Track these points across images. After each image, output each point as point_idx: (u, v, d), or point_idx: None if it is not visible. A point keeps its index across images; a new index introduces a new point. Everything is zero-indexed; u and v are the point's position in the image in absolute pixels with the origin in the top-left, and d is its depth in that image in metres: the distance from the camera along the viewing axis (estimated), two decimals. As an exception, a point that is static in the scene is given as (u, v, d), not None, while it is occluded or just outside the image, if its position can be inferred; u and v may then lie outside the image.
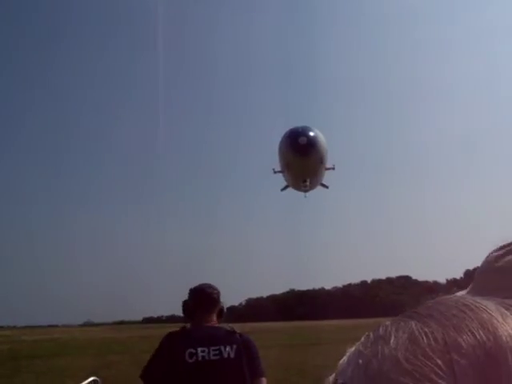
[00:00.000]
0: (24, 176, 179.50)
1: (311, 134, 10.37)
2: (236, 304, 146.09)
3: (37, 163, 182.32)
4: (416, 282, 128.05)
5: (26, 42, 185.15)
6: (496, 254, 0.52)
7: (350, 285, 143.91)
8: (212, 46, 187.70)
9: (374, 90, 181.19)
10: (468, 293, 0.50)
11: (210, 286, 3.27)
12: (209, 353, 2.97)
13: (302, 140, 10.11)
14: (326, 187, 14.33)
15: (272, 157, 12.05)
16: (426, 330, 0.39)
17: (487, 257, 0.52)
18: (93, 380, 7.25)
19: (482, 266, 0.52)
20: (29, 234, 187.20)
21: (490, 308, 0.40)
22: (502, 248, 0.52)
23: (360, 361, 0.40)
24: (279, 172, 12.57)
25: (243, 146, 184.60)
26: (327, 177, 13.22)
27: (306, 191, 13.33)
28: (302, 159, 10.48)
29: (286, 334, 38.98)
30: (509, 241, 0.52)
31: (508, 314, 0.40)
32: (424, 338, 0.38)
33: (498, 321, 0.39)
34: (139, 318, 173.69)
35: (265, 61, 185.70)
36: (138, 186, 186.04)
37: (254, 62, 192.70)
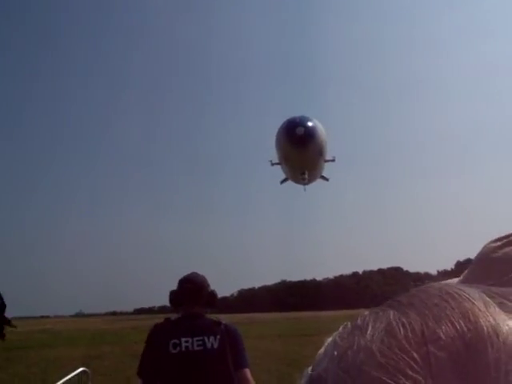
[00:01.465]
0: (19, 168, 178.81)
1: (309, 124, 9.86)
2: (228, 295, 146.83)
3: (32, 156, 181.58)
4: (407, 273, 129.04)
5: (23, 41, 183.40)
6: (493, 245, 0.51)
7: (341, 276, 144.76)
8: (209, 38, 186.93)
9: (374, 81, 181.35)
10: (460, 281, 0.49)
11: (195, 276, 3.26)
12: (192, 343, 2.98)
13: (300, 130, 9.61)
14: (327, 180, 13.91)
15: (270, 148, 11.56)
16: (404, 320, 0.37)
17: (484, 247, 0.51)
18: (82, 371, 7.25)
19: (478, 255, 0.51)
20: (20, 225, 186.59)
21: (473, 296, 0.39)
22: (499, 240, 0.51)
23: (335, 352, 0.38)
24: (277, 164, 12.07)
25: (240, 137, 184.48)
26: (326, 169, 12.86)
27: (305, 184, 12.87)
28: (299, 151, 9.98)
29: (278, 324, 39.18)
30: (506, 233, 0.52)
31: (491, 302, 0.39)
32: (401, 329, 0.37)
33: (480, 310, 0.37)
34: (131, 308, 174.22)
35: (264, 52, 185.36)
36: (131, 178, 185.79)
37: (251, 52, 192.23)
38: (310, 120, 10.05)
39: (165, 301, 3.31)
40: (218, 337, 3.00)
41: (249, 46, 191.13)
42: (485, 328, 0.36)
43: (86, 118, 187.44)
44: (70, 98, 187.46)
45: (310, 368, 0.42)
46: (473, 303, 0.38)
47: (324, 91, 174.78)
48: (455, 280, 0.51)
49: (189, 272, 3.30)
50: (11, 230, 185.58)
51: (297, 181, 12.76)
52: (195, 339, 2.98)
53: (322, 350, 0.41)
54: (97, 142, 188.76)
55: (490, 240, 0.52)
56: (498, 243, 0.51)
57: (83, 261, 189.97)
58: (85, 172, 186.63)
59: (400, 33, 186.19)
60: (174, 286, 3.25)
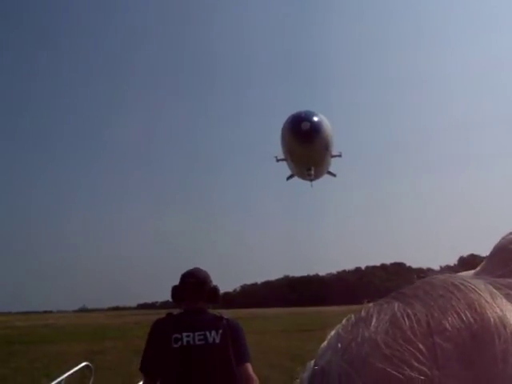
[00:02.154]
0: (22, 164, 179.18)
1: (315, 118, 9.63)
2: (230, 290, 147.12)
3: (35, 152, 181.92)
4: (410, 268, 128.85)
5: (22, 40, 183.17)
6: None
7: (344, 271, 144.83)
8: (213, 36, 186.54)
9: (379, 77, 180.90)
10: (477, 271, 0.48)
11: (197, 271, 3.26)
12: (194, 338, 2.97)
13: (305, 125, 9.38)
14: (334, 175, 13.53)
15: (276, 144, 11.32)
16: (409, 311, 0.37)
17: (502, 238, 0.50)
18: (85, 365, 7.27)
19: (496, 246, 0.50)
20: (24, 220, 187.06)
21: (479, 287, 0.38)
22: None
23: (339, 344, 0.37)
24: (282, 160, 11.79)
25: (246, 133, 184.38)
26: (332, 165, 12.50)
27: (311, 180, 12.56)
28: (305, 146, 9.72)
29: (281, 320, 39.24)
30: None
31: (498, 293, 0.38)
32: (406, 320, 0.36)
33: (487, 301, 0.37)
34: (134, 303, 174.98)
35: (268, 49, 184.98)
36: (135, 173, 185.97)
37: (255, 49, 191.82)
38: (316, 114, 9.79)
39: (167, 296, 3.31)
40: (220, 331, 2.99)
41: (253, 44, 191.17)
42: (492, 319, 0.35)
43: (86, 115, 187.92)
44: (71, 96, 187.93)
45: (312, 361, 0.41)
46: (479, 294, 0.37)
47: (329, 87, 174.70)
48: (471, 272, 0.50)
49: (191, 267, 3.30)
50: (14, 225, 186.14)
51: (303, 177, 12.44)
52: (197, 334, 2.97)
53: (324, 343, 0.40)
54: (98, 139, 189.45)
55: (508, 232, 0.51)
56: None
57: (86, 256, 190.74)
58: (87, 168, 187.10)
59: (404, 30, 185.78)
60: (177, 282, 3.25)
